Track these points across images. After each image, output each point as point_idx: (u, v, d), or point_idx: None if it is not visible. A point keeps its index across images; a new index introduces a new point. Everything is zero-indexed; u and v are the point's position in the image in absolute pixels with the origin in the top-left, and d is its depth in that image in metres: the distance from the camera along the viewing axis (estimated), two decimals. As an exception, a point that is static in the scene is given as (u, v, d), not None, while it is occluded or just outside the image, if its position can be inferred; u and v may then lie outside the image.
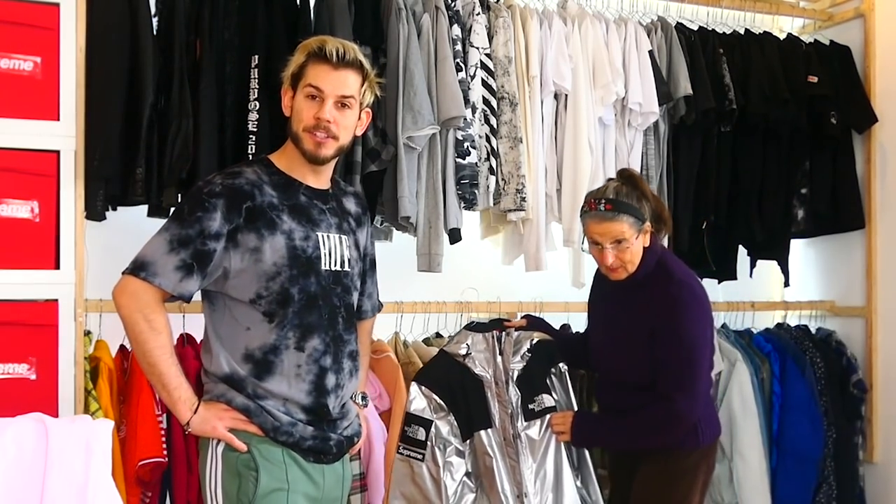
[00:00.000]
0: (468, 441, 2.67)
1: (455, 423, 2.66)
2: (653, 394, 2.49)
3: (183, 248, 2.05)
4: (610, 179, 2.63)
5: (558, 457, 2.67)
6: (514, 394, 2.68)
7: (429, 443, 2.63)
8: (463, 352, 2.72)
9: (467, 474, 2.67)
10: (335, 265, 2.20)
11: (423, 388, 2.68)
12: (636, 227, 2.49)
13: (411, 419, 2.65)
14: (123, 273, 2.10)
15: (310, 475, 2.15)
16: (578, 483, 2.69)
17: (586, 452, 2.75)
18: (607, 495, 2.80)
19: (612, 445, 2.78)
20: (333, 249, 2.21)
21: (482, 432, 2.65)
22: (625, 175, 2.57)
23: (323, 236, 2.18)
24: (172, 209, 2.16)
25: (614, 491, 2.77)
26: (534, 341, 2.76)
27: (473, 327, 2.79)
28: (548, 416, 2.68)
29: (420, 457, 2.63)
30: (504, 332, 2.76)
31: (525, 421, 2.66)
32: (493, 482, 2.62)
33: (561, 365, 2.77)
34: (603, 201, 2.49)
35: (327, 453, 2.19)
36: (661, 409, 2.47)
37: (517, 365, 2.71)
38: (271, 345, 2.11)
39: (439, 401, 2.66)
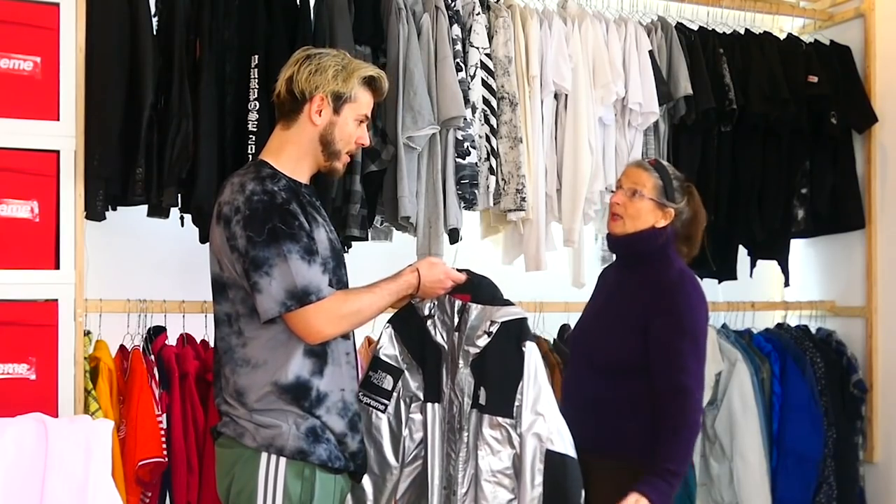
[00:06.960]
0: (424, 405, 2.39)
1: (422, 380, 2.36)
2: (621, 381, 2.39)
3: (314, 256, 2.09)
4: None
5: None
6: (467, 377, 2.30)
7: (395, 394, 2.35)
8: (426, 312, 2.36)
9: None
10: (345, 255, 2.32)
11: (396, 334, 2.38)
12: (659, 193, 2.50)
13: (379, 364, 2.36)
14: (291, 311, 2.05)
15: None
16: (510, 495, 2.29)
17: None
18: None
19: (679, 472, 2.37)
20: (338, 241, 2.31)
21: (429, 405, 2.35)
22: (689, 180, 2.63)
23: (332, 229, 2.27)
24: (266, 234, 2.05)
25: None
26: (500, 320, 2.30)
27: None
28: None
29: (382, 408, 2.34)
30: (465, 304, 2.34)
31: (472, 409, 2.29)
32: (425, 464, 2.34)
33: (528, 343, 2.32)
34: (651, 158, 2.65)
35: (362, 474, 2.30)
36: (667, 397, 2.32)
37: (473, 349, 2.30)
38: None
39: (409, 353, 2.37)
